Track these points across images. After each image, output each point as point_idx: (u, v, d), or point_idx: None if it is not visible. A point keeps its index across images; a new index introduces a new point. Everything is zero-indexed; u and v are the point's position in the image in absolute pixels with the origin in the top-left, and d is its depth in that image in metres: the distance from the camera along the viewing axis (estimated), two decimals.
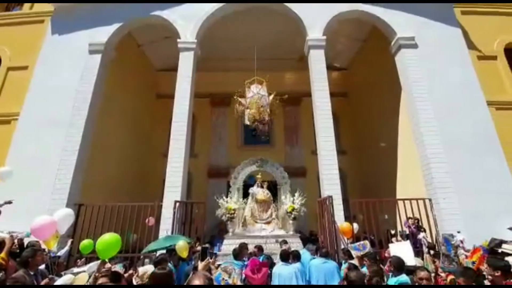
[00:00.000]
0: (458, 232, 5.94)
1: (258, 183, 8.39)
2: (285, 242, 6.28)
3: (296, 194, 7.97)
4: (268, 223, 7.88)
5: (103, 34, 8.94)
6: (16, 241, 4.73)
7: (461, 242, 5.74)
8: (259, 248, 5.47)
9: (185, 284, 2.40)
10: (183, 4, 9.18)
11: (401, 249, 4.81)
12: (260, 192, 8.18)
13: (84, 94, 8.24)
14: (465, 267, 3.91)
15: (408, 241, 5.91)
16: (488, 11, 9.84)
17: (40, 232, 3.74)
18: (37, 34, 9.47)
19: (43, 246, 5.19)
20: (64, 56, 8.78)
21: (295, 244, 6.86)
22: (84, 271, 3.48)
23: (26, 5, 10.56)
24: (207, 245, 6.72)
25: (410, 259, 4.53)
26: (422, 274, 3.11)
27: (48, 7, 9.68)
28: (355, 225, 7.36)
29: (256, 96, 7.99)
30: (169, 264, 4.70)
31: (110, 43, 9.03)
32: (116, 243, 3.27)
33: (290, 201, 7.88)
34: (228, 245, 6.91)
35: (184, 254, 4.65)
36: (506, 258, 3.86)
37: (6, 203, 5.11)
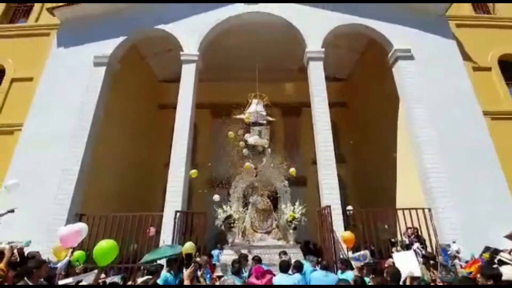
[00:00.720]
0: (454, 242, 5.98)
1: (258, 191, 8.17)
2: (285, 253, 6.14)
3: (297, 203, 7.85)
4: (268, 232, 7.74)
5: (107, 47, 9.17)
6: (16, 251, 4.77)
7: (457, 252, 5.76)
8: (258, 260, 5.33)
9: None
10: (186, 18, 9.45)
11: (405, 259, 4.80)
12: (260, 201, 8.06)
13: (88, 105, 8.40)
14: (463, 276, 3.95)
15: (412, 250, 5.91)
16: (482, 24, 10.15)
17: (67, 240, 3.82)
18: (42, 46, 9.68)
19: (43, 257, 5.26)
20: (69, 68, 8.97)
21: (296, 254, 6.69)
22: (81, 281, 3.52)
23: (32, 18, 10.80)
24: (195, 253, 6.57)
25: (416, 269, 4.53)
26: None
27: (54, 20, 9.92)
28: (350, 207, 7.64)
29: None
30: (167, 274, 4.70)
31: (115, 55, 9.25)
32: (113, 250, 3.32)
33: (290, 210, 7.74)
34: (227, 255, 6.76)
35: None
36: (504, 267, 3.91)
37: (8, 211, 5.16)
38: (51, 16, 9.87)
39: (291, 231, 7.55)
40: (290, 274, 4.62)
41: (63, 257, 4.10)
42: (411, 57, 8.98)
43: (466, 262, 5.30)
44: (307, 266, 5.33)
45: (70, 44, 9.41)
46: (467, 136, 7.94)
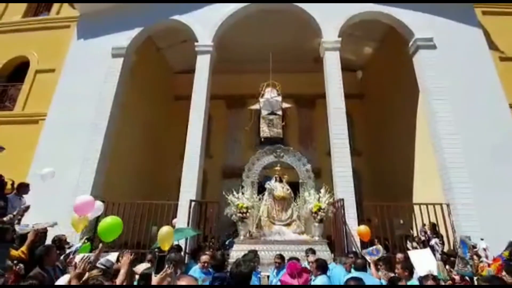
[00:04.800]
0: (482, 239, 5.78)
1: (276, 177, 7.14)
2: (313, 251, 5.04)
3: (322, 191, 6.71)
4: (288, 225, 6.67)
5: (125, 38, 9.32)
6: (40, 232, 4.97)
7: (484, 250, 5.55)
8: (282, 259, 4.52)
9: None
10: (200, 8, 9.43)
11: (421, 257, 4.70)
12: (279, 188, 6.90)
13: (107, 96, 8.62)
14: (492, 275, 3.80)
15: (428, 248, 5.79)
16: (511, 11, 9.49)
17: (81, 208, 4.00)
18: (64, 38, 9.97)
19: (69, 239, 5.52)
20: (88, 59, 9.22)
21: (323, 252, 5.70)
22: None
23: (53, 11, 11.11)
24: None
25: (433, 267, 4.45)
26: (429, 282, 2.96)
27: (74, 12, 10.18)
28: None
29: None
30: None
31: (131, 47, 9.39)
32: (117, 226, 3.40)
33: (315, 199, 6.57)
34: (238, 251, 5.73)
35: (165, 246, 4.10)
36: None
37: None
38: (71, 8, 10.13)
39: (316, 224, 6.38)
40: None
41: (80, 230, 4.26)
42: (433, 46, 8.58)
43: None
44: (339, 270, 4.27)
45: (89, 36, 9.65)
46: (491, 130, 7.56)
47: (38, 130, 8.59)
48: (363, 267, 3.81)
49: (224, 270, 3.57)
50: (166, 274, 2.20)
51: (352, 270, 4.06)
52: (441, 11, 8.97)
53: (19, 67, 10.27)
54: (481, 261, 4.51)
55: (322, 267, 3.73)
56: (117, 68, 8.97)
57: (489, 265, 4.52)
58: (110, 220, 3.38)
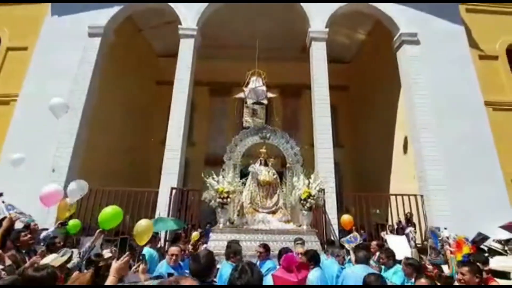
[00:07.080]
0: (445, 228, 6.09)
1: (261, 160, 6.44)
2: (302, 241, 4.54)
3: (313, 176, 6.11)
4: (273, 213, 6.07)
5: (103, 17, 8.83)
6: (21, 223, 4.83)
7: (447, 238, 5.88)
8: (266, 248, 3.89)
9: None
10: None
11: (398, 243, 4.99)
12: (264, 172, 6.24)
13: (83, 77, 8.22)
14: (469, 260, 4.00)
15: (404, 236, 6.08)
16: (493, 10, 9.73)
17: (47, 199, 3.87)
18: (37, 14, 9.33)
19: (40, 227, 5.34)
20: (63, 38, 8.68)
21: (313, 243, 5.30)
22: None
23: None
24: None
25: (407, 251, 4.71)
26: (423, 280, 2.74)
27: None
28: None
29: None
30: (151, 249, 4.32)
31: (110, 26, 8.93)
32: (118, 215, 3.38)
33: (304, 185, 5.94)
34: (217, 240, 5.14)
35: (143, 240, 3.41)
36: (497, 257, 4.00)
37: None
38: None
39: (304, 212, 5.80)
40: None
41: (65, 216, 4.12)
42: (417, 42, 8.74)
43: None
44: (329, 262, 3.84)
45: (64, 13, 9.04)
46: (467, 125, 7.89)
47: (10, 112, 8.13)
48: (367, 260, 3.35)
49: (209, 279, 2.24)
50: (127, 260, 2.13)
51: (348, 264, 3.82)
52: (427, 7, 9.09)
53: None
54: (442, 247, 4.78)
55: (315, 258, 3.34)
56: (94, 48, 8.52)
57: (451, 252, 4.77)
58: (112, 210, 3.34)
